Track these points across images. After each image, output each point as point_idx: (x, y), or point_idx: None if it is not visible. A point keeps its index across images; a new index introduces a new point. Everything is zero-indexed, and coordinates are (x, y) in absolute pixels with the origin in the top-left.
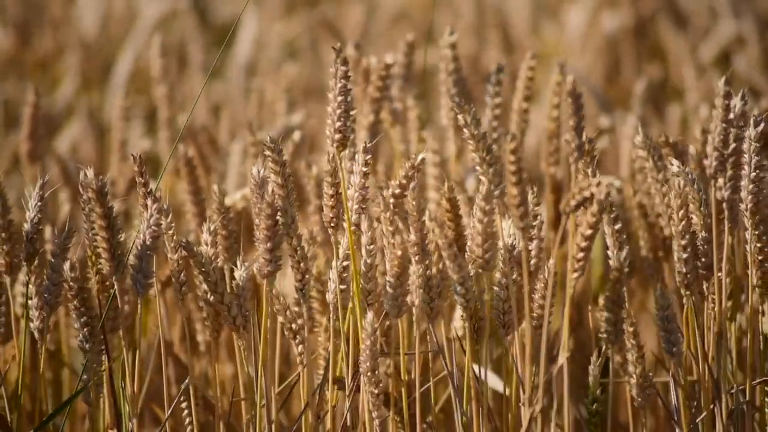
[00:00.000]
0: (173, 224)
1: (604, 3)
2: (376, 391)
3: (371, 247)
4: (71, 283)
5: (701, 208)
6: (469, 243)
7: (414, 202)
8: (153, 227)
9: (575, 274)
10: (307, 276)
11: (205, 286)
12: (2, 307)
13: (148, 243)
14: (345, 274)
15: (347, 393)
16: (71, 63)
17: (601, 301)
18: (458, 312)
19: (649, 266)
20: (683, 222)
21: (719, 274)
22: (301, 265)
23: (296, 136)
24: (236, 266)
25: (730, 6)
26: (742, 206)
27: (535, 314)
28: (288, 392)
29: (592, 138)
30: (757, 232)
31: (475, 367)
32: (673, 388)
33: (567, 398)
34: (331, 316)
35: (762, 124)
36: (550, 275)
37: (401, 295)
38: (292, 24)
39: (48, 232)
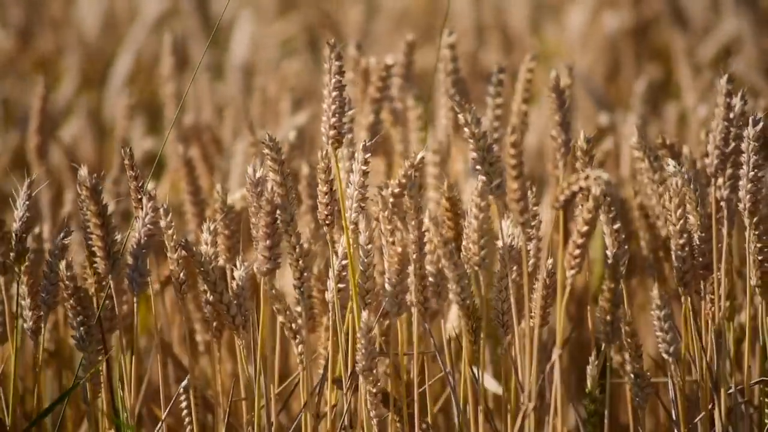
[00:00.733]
0: (173, 223)
1: (605, 3)
2: (374, 391)
3: (369, 246)
4: (67, 282)
5: (698, 208)
6: (464, 240)
7: (412, 201)
8: (148, 226)
9: (572, 271)
10: (305, 274)
11: (204, 286)
12: None
13: (143, 241)
14: (344, 273)
15: (344, 392)
16: (71, 63)
17: (598, 300)
18: (453, 312)
19: (649, 266)
20: (680, 221)
21: (717, 273)
22: (300, 263)
23: (291, 135)
24: (236, 266)
25: (731, 6)
26: (741, 206)
27: (534, 313)
28: (289, 392)
29: (590, 138)
30: (756, 232)
31: (475, 367)
32: (672, 388)
33: (560, 394)
34: (330, 315)
35: (761, 124)
36: (543, 273)
37: (400, 294)
38: (290, 23)
39: (46, 231)
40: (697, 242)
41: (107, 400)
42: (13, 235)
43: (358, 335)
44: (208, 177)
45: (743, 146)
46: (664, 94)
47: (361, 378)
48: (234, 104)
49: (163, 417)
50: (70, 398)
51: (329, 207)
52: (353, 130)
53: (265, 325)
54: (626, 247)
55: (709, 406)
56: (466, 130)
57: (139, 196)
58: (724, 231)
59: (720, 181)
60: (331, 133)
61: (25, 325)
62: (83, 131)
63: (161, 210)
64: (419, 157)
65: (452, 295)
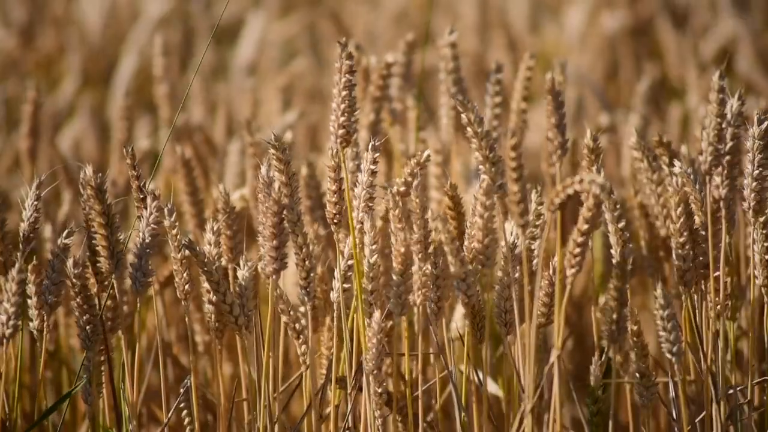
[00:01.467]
0: (177, 223)
1: (604, 3)
2: (379, 391)
3: (374, 246)
4: (74, 281)
5: (702, 208)
6: (469, 239)
7: (417, 200)
8: (152, 225)
9: (572, 270)
10: (311, 274)
11: (207, 286)
12: None
13: (147, 241)
14: (349, 273)
15: (348, 392)
16: (73, 62)
17: (602, 300)
18: (458, 312)
19: (650, 266)
20: (681, 220)
21: (717, 273)
22: (306, 263)
23: (288, 136)
24: (239, 266)
25: (730, 5)
26: (745, 205)
27: (538, 312)
28: (291, 393)
29: (597, 136)
30: (765, 231)
31: (475, 368)
32: (673, 387)
33: (558, 394)
34: (334, 315)
35: (766, 123)
36: (548, 272)
37: (404, 294)
38: (293, 23)
39: (48, 231)
40: (698, 241)
41: (109, 400)
42: (21, 234)
43: (369, 335)
44: (202, 177)
45: (748, 145)
46: (662, 93)
47: (370, 378)
48: (226, 104)
49: (165, 420)
50: (71, 398)
51: (338, 206)
52: (357, 130)
53: (268, 325)
54: (630, 246)
55: (710, 406)
56: (468, 129)
57: (142, 196)
58: (723, 230)
59: (718, 179)
60: (340, 132)
61: (31, 325)
62: (86, 130)
63: (165, 210)
64: (426, 155)
65: (458, 293)
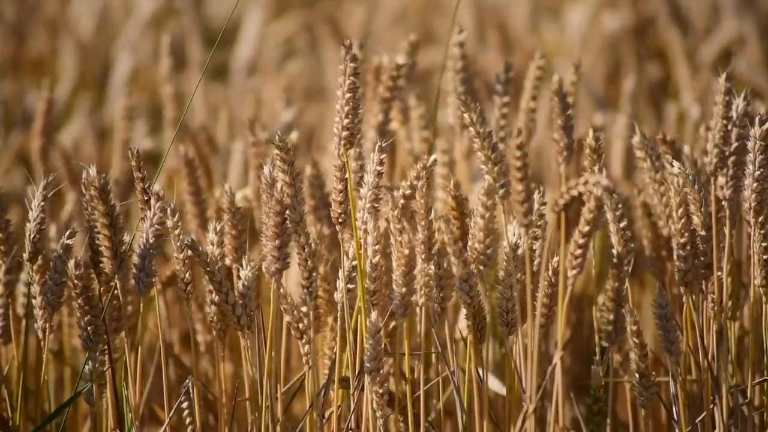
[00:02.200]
0: (180, 223)
1: (605, 3)
2: (380, 391)
3: (377, 246)
4: (75, 281)
5: (701, 208)
6: (470, 240)
7: (422, 201)
8: (156, 226)
9: (573, 272)
10: (314, 274)
11: (210, 286)
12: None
13: (151, 241)
14: (354, 273)
15: (351, 392)
16: (67, 63)
17: (600, 299)
18: (463, 313)
19: (652, 265)
20: (682, 220)
21: (719, 273)
22: (309, 263)
23: (294, 136)
24: (242, 266)
25: (732, 6)
26: (746, 205)
27: (537, 313)
28: (294, 393)
29: (599, 136)
30: (762, 231)
31: (476, 367)
32: (673, 387)
33: (561, 394)
34: (338, 315)
35: (767, 123)
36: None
37: (407, 294)
38: (290, 23)
39: (52, 231)
40: (700, 241)
41: (112, 401)
42: (28, 235)
43: (368, 335)
44: (204, 177)
45: (749, 145)
46: (664, 94)
47: (368, 378)
48: (228, 105)
49: (168, 417)
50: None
51: (343, 206)
52: (361, 130)
53: (271, 325)
54: (632, 245)
55: (711, 406)
56: (471, 129)
57: (146, 197)
58: (726, 230)
59: (722, 180)
60: (344, 134)
61: (35, 325)
62: (84, 131)
63: (168, 210)
64: (432, 159)
65: (461, 294)
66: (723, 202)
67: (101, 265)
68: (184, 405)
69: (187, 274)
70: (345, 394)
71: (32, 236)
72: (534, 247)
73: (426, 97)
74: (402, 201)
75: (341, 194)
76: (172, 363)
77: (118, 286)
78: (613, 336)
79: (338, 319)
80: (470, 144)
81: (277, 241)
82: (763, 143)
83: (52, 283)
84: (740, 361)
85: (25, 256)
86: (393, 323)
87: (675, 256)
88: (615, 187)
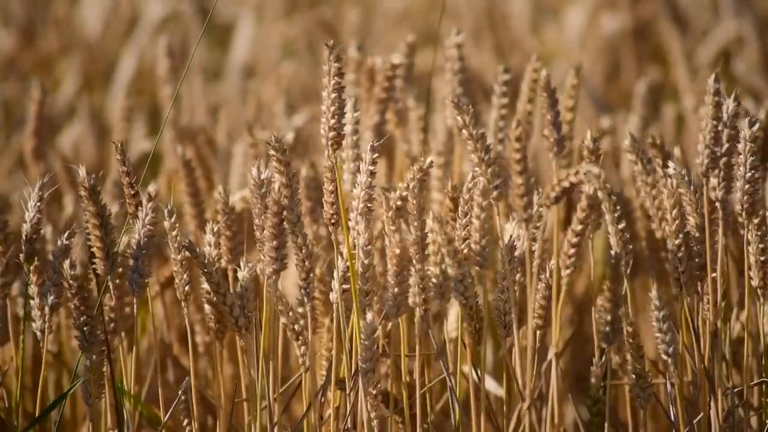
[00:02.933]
0: (177, 225)
1: (604, 4)
2: (374, 392)
3: (369, 247)
4: (71, 282)
5: (696, 210)
6: (465, 240)
7: (414, 201)
8: (148, 227)
9: (567, 271)
10: (311, 275)
11: (207, 287)
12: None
13: (143, 242)
14: (348, 274)
15: (348, 393)
16: (73, 63)
17: (599, 301)
18: (452, 314)
19: (652, 266)
20: (677, 222)
21: (713, 274)
22: (306, 264)
23: (289, 137)
24: (239, 267)
25: (730, 7)
26: (738, 207)
27: (536, 314)
28: (292, 394)
29: (597, 138)
30: (759, 233)
31: (474, 369)
32: (670, 389)
33: (556, 394)
34: (334, 316)
35: (757, 125)
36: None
37: (400, 296)
38: (291, 25)
39: (50, 232)
40: (694, 243)
41: (111, 401)
42: (24, 236)
43: (362, 336)
44: (204, 178)
45: (740, 147)
46: (663, 95)
47: (362, 379)
48: (228, 106)
49: (164, 419)
50: (71, 399)
51: (335, 206)
52: (358, 131)
53: (268, 326)
54: (630, 247)
55: (708, 408)
56: (464, 131)
57: (132, 193)
58: (720, 232)
59: (714, 181)
60: (331, 134)
61: (34, 326)
62: (85, 132)
63: (165, 211)
64: (428, 162)
65: (456, 295)
66: (716, 204)
67: (94, 266)
68: (182, 406)
69: (185, 275)
70: (342, 395)
71: (28, 237)
72: (533, 248)
73: (425, 99)
74: (398, 203)
75: (332, 195)
76: (171, 364)
77: (110, 286)
78: (609, 337)
79: (334, 320)
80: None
81: (274, 242)
82: (753, 145)
83: (51, 283)
84: (738, 362)
85: (22, 256)
86: (389, 324)
87: (669, 258)
88: (612, 187)
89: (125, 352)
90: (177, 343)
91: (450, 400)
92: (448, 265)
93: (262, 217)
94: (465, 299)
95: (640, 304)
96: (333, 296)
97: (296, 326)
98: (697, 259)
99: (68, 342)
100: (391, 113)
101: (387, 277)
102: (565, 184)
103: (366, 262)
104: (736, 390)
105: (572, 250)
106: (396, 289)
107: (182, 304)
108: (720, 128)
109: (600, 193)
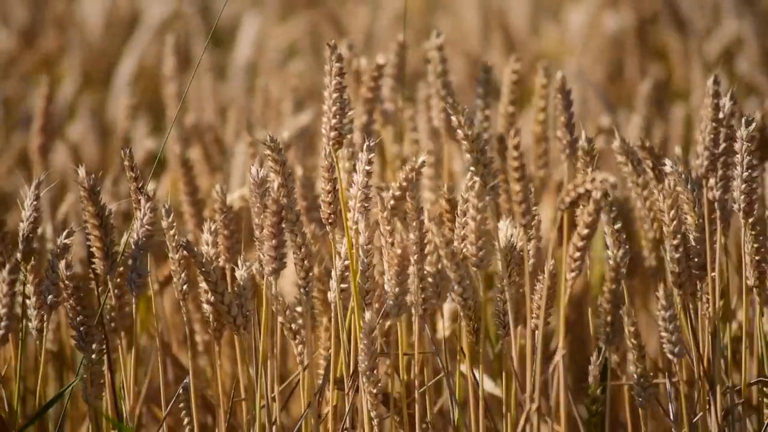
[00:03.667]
0: (174, 224)
1: (605, 3)
2: (374, 391)
3: (368, 246)
4: (66, 282)
5: (695, 209)
6: (459, 241)
7: (412, 202)
8: (147, 226)
9: (572, 274)
10: (310, 274)
11: (205, 286)
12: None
13: (141, 242)
14: (347, 273)
15: (346, 392)
16: (73, 62)
17: (598, 301)
18: (446, 312)
19: (650, 267)
20: (674, 222)
21: (712, 274)
22: (305, 263)
23: (285, 135)
24: (237, 266)
25: (731, 6)
26: (735, 206)
27: (534, 314)
28: (290, 393)
29: (591, 138)
30: (753, 232)
31: (472, 368)
32: (670, 388)
33: (563, 396)
34: (332, 315)
35: (754, 124)
36: (548, 276)
37: (400, 295)
38: (294, 25)
39: (49, 231)
40: (693, 242)
41: (110, 400)
42: (20, 235)
43: (360, 335)
44: (210, 177)
45: (737, 147)
46: (666, 94)
47: (362, 378)
48: (236, 105)
49: (163, 417)
50: (71, 399)
51: (332, 206)
52: (353, 131)
53: (266, 325)
54: (627, 247)
55: (707, 407)
56: (459, 132)
57: (140, 197)
58: (719, 231)
59: (712, 181)
60: (332, 134)
61: (30, 325)
62: (87, 132)
63: (163, 210)
64: (421, 160)
65: (454, 295)
66: (714, 204)
67: (93, 265)
68: (182, 405)
69: (183, 275)
70: (340, 394)
71: (25, 235)
72: (529, 248)
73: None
74: (392, 202)
75: (330, 194)
76: (170, 363)
77: (110, 285)
78: (608, 337)
79: (332, 319)
80: (456, 144)
81: (273, 241)
82: (749, 144)
83: (50, 282)
84: (738, 362)
85: (18, 255)
86: (388, 323)
87: (667, 258)
88: (615, 189)
89: (125, 351)
90: (177, 341)
91: (449, 400)
92: (446, 267)
93: (261, 216)
94: (464, 300)
95: (639, 303)
96: (331, 295)
97: (293, 325)
98: (696, 259)
99: (69, 341)
100: (377, 113)
101: (386, 276)
102: (580, 190)
103: (366, 260)
104: (735, 389)
105: (578, 254)
106: (397, 289)
107: (180, 303)
108: (719, 129)
109: (595, 193)
